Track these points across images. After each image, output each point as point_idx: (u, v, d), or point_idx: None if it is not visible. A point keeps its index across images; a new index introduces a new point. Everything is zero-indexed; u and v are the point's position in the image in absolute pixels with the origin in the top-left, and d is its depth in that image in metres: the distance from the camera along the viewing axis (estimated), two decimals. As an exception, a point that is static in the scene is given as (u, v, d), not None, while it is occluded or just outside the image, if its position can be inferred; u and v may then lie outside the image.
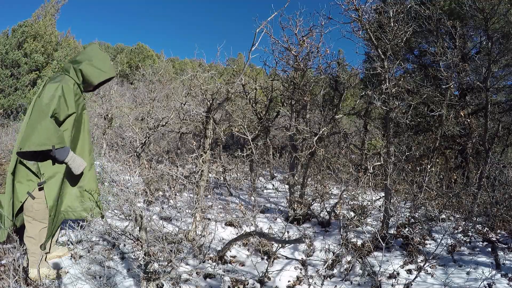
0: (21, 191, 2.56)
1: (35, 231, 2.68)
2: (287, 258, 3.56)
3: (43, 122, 2.30)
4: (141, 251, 2.54)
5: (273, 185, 6.18)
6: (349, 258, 3.40)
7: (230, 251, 3.62)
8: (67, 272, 2.98)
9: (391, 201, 3.91)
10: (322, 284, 3.00)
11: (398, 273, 3.22)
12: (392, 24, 3.76)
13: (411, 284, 2.98)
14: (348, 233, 3.88)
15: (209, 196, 5.20)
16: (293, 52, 4.53)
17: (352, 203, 4.55)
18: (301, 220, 4.51)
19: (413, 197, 4.39)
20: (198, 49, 4.94)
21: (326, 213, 4.52)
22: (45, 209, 2.67)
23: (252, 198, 5.19)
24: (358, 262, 3.36)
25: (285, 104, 5.39)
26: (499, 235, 3.97)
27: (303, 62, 4.56)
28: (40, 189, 2.61)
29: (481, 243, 3.83)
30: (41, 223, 2.69)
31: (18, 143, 2.44)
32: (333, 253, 3.57)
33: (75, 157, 2.59)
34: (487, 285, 2.96)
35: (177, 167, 4.52)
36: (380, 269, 3.03)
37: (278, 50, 4.76)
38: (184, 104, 5.21)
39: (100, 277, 2.95)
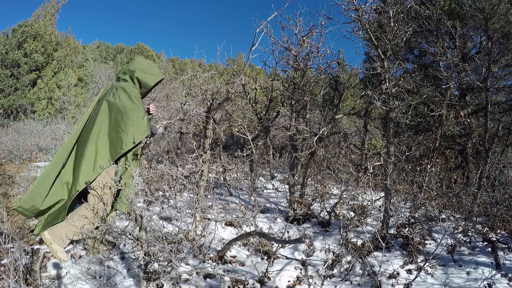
0: (82, 180, 2.79)
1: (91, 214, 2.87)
2: (287, 258, 3.56)
3: (141, 116, 2.94)
4: (141, 251, 2.54)
5: (273, 185, 6.18)
6: (349, 258, 3.40)
7: (230, 251, 3.62)
8: (67, 272, 2.98)
9: (391, 201, 3.91)
10: (322, 284, 3.00)
11: (398, 273, 3.22)
12: (392, 24, 3.76)
13: (411, 284, 2.98)
14: (348, 233, 3.88)
15: (209, 196, 5.20)
16: (293, 52, 4.53)
17: (352, 203, 4.55)
18: (301, 220, 4.51)
19: (413, 197, 4.39)
20: (198, 49, 4.92)
21: (326, 213, 4.51)
22: (110, 196, 2.98)
23: (252, 198, 5.19)
24: (358, 262, 3.36)
25: (285, 104, 5.39)
26: (499, 235, 3.97)
27: (303, 62, 4.56)
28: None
29: (481, 243, 3.83)
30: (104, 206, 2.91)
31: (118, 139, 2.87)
32: (333, 253, 3.57)
33: (158, 127, 3.39)
34: (487, 285, 2.96)
35: (177, 167, 4.52)
36: (380, 269, 3.03)
37: (278, 50, 4.76)
38: (184, 104, 5.21)
39: (100, 277, 2.95)
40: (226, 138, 8.38)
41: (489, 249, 3.63)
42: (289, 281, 3.14)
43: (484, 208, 4.26)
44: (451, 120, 5.47)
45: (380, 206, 4.60)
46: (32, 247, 3.35)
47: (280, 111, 5.67)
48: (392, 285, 3.04)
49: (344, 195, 4.38)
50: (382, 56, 3.73)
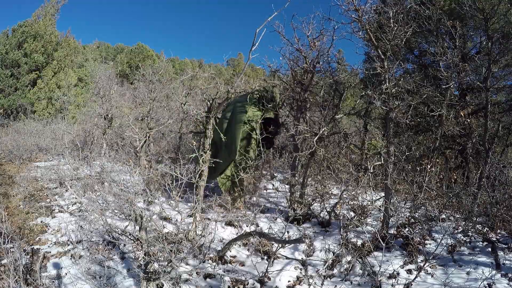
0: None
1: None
2: (287, 258, 3.56)
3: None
4: (141, 251, 2.54)
5: (273, 185, 6.18)
6: (349, 258, 3.40)
7: (230, 251, 3.63)
8: (67, 272, 2.98)
9: (391, 201, 3.91)
10: (322, 284, 3.01)
11: (398, 273, 3.22)
12: (392, 24, 3.76)
13: (411, 284, 2.99)
14: (348, 233, 3.88)
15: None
16: (303, 53, 4.55)
17: (352, 203, 4.55)
18: (301, 220, 4.51)
19: (413, 197, 4.39)
20: (198, 49, 4.97)
21: (326, 213, 4.52)
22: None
23: (253, 198, 5.19)
24: (358, 262, 3.36)
25: (285, 104, 5.38)
26: (499, 235, 3.97)
27: (311, 64, 4.58)
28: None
29: (481, 243, 3.83)
30: None
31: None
32: (333, 253, 3.57)
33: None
34: (487, 285, 2.96)
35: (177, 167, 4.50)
36: (380, 269, 3.03)
37: (288, 50, 4.79)
38: (184, 104, 5.21)
39: (100, 277, 2.95)
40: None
41: (489, 249, 3.63)
42: (289, 281, 3.14)
43: (484, 208, 4.26)
44: (451, 120, 5.46)
45: (380, 206, 4.60)
46: (32, 247, 3.35)
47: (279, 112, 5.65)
48: (392, 285, 3.04)
49: (344, 195, 4.38)
50: (382, 56, 3.73)
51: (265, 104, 4.97)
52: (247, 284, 3.05)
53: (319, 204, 4.74)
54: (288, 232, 4.09)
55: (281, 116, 5.33)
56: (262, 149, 4.93)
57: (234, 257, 3.58)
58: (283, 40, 4.63)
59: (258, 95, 5.09)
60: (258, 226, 4.31)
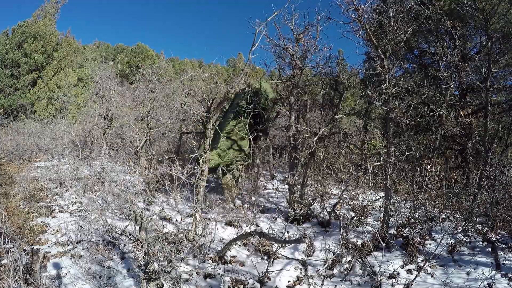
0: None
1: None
2: (287, 258, 3.56)
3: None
4: (141, 251, 2.54)
5: (273, 185, 6.18)
6: (349, 258, 3.40)
7: (230, 251, 3.62)
8: (67, 272, 2.98)
9: (391, 201, 3.91)
10: (322, 284, 3.01)
11: (398, 273, 3.22)
12: (392, 24, 3.76)
13: (411, 284, 2.99)
14: (348, 233, 3.88)
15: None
16: (289, 51, 4.55)
17: (352, 203, 4.55)
18: (301, 220, 4.51)
19: (413, 197, 4.39)
20: (198, 49, 4.99)
21: (326, 213, 4.51)
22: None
23: (253, 198, 5.19)
24: (358, 262, 3.36)
25: (285, 104, 5.38)
26: (499, 235, 3.97)
27: (300, 60, 4.58)
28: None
29: (481, 243, 3.82)
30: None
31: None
32: (333, 253, 3.58)
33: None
34: (487, 285, 2.96)
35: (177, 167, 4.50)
36: (380, 269, 3.03)
37: (276, 49, 4.80)
38: (184, 104, 5.21)
39: (100, 277, 2.95)
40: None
41: (489, 249, 3.63)
42: (289, 281, 3.14)
43: (484, 208, 4.26)
44: (451, 120, 5.46)
45: (380, 206, 4.60)
46: (32, 247, 3.35)
47: (280, 111, 5.66)
48: (392, 285, 3.04)
49: (344, 195, 4.38)
50: (382, 56, 3.73)
51: (246, 108, 5.17)
52: (247, 284, 3.05)
53: (319, 204, 4.74)
54: (288, 232, 4.09)
55: (271, 111, 5.44)
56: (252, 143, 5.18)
57: (234, 257, 3.58)
58: (267, 40, 4.66)
59: (239, 101, 5.28)
60: (258, 226, 4.31)
